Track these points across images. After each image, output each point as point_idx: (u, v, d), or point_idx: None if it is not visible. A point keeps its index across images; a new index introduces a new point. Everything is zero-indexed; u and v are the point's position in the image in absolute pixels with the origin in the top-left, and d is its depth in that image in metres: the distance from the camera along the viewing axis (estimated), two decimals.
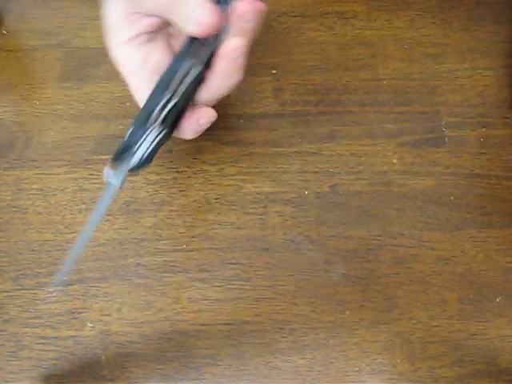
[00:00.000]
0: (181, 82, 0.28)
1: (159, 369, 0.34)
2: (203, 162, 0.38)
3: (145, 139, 0.29)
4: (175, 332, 0.34)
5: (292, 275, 0.36)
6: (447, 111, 0.40)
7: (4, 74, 0.41)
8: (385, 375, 0.34)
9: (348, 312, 0.35)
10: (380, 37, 0.42)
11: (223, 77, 0.29)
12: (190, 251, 0.36)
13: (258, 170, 0.38)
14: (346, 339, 0.34)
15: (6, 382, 0.33)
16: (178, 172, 0.38)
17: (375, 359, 0.34)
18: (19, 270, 0.35)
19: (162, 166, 0.38)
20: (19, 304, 0.35)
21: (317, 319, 0.35)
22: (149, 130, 0.29)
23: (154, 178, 0.38)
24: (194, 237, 0.36)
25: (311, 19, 0.43)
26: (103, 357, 0.34)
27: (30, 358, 0.34)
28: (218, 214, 0.37)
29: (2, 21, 0.42)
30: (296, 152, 0.39)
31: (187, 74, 0.28)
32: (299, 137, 0.39)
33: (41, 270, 0.35)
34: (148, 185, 0.37)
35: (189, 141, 0.39)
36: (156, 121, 0.28)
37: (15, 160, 0.38)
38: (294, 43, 0.42)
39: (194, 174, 0.38)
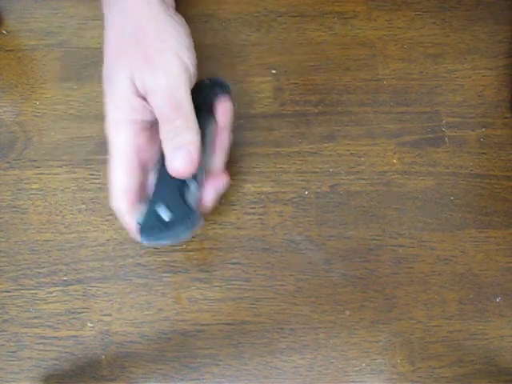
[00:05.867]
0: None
1: (159, 369, 0.34)
2: None
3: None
4: (175, 332, 0.34)
5: (292, 275, 0.36)
6: (447, 111, 0.40)
7: (4, 74, 0.41)
8: (385, 375, 0.34)
9: (348, 312, 0.35)
10: (380, 37, 0.42)
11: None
12: (190, 251, 0.36)
13: (257, 170, 0.38)
14: (346, 339, 0.34)
15: (6, 382, 0.33)
16: None
17: (375, 359, 0.34)
18: (19, 270, 0.35)
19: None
20: (19, 304, 0.35)
21: (317, 319, 0.35)
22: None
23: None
24: (193, 237, 0.36)
25: (311, 19, 0.43)
26: (103, 357, 0.34)
27: (30, 358, 0.34)
28: (218, 214, 0.37)
29: (2, 21, 0.42)
30: (296, 152, 0.39)
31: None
32: (299, 137, 0.39)
33: (41, 270, 0.35)
34: None
35: None
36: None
37: (15, 160, 0.38)
38: (294, 43, 0.42)
39: None
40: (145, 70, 0.29)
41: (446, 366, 0.34)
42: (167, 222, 0.30)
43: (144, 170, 0.31)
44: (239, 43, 0.42)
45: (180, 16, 0.33)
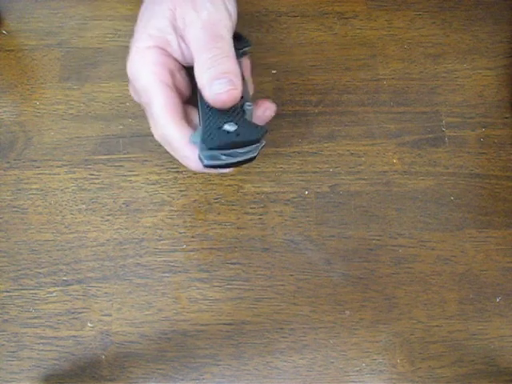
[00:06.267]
0: None
1: (159, 369, 0.34)
2: None
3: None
4: (175, 332, 0.34)
5: (292, 275, 0.36)
6: (447, 111, 0.40)
7: (4, 74, 0.41)
8: (385, 375, 0.34)
9: (348, 312, 0.35)
10: (380, 37, 0.42)
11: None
12: (190, 251, 0.36)
13: (258, 169, 0.38)
14: (345, 339, 0.34)
15: (6, 382, 0.33)
16: (178, 172, 0.38)
17: (375, 359, 0.34)
18: (19, 270, 0.35)
19: (162, 166, 0.38)
20: (19, 304, 0.35)
21: (317, 319, 0.35)
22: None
23: (154, 178, 0.38)
24: (193, 237, 0.36)
25: (311, 19, 0.43)
26: (103, 357, 0.34)
27: (29, 358, 0.34)
28: (218, 214, 0.37)
29: (2, 21, 0.42)
30: (296, 152, 0.39)
31: None
32: (299, 137, 0.39)
33: (41, 270, 0.35)
34: (148, 185, 0.37)
35: None
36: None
37: (15, 160, 0.38)
38: (293, 43, 0.42)
39: (194, 174, 0.38)
40: (188, 5, 0.29)
41: (445, 366, 0.34)
42: (233, 132, 0.27)
43: (181, 95, 0.30)
44: None
45: None
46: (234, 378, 0.34)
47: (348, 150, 0.39)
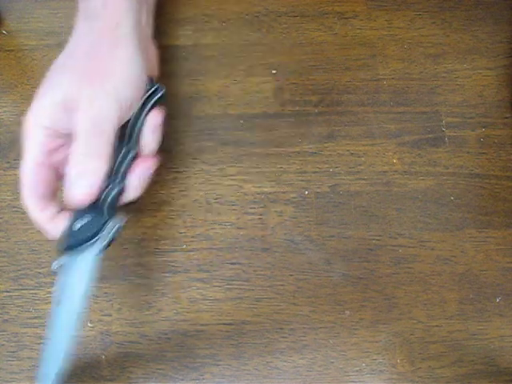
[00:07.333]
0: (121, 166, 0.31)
1: (159, 369, 0.34)
2: (203, 162, 0.38)
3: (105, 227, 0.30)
4: (175, 332, 0.34)
5: (292, 275, 0.36)
6: (447, 111, 0.40)
7: (4, 74, 0.41)
8: (385, 375, 0.34)
9: (348, 312, 0.35)
10: (380, 37, 0.42)
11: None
12: (190, 251, 0.36)
13: (258, 170, 0.38)
14: (345, 339, 0.34)
15: (6, 382, 0.33)
16: (177, 172, 0.38)
17: (375, 359, 0.34)
18: (19, 270, 0.35)
19: (162, 166, 0.38)
20: (19, 304, 0.35)
21: (317, 319, 0.35)
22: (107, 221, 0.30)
23: (154, 178, 0.38)
24: (193, 237, 0.36)
25: (311, 19, 0.43)
26: (103, 357, 0.34)
27: (29, 358, 0.34)
28: (218, 214, 0.37)
29: (2, 21, 0.42)
30: (296, 152, 0.39)
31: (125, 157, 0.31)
32: (299, 137, 0.39)
33: (41, 270, 0.35)
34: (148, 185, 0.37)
35: (189, 141, 0.39)
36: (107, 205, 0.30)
37: (15, 160, 0.38)
38: (293, 43, 0.42)
39: (194, 174, 0.38)
40: (86, 90, 0.30)
41: (445, 366, 0.34)
42: (79, 229, 0.30)
43: (57, 174, 0.31)
44: (239, 43, 0.42)
45: (146, 39, 0.34)
46: (233, 377, 0.34)
47: (348, 150, 0.39)
